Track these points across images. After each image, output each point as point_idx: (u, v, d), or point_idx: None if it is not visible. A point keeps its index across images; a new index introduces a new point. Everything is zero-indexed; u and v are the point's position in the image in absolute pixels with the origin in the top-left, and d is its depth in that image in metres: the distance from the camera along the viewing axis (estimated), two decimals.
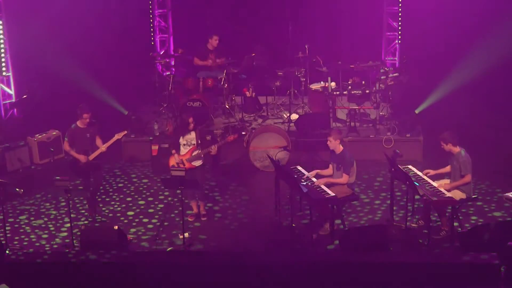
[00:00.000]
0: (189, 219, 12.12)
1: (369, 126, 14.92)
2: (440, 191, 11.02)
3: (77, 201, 12.87)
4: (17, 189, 12.10)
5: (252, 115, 15.53)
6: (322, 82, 15.26)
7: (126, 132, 12.42)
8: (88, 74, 15.76)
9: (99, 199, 12.79)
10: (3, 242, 11.01)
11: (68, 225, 11.43)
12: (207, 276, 10.16)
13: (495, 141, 14.20)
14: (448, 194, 10.96)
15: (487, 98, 14.96)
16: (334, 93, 14.90)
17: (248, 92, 15.56)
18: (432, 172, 11.49)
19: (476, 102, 14.89)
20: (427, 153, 14.04)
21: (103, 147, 11.99)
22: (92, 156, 12.01)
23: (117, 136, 12.10)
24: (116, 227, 11.04)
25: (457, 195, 11.01)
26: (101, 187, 12.90)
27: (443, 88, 15.06)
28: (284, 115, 15.37)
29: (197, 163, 11.97)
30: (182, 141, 11.97)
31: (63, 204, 12.72)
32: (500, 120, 14.80)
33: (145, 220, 12.30)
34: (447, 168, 11.35)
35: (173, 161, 11.95)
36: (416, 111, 14.65)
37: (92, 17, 15.95)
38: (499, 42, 15.03)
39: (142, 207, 12.80)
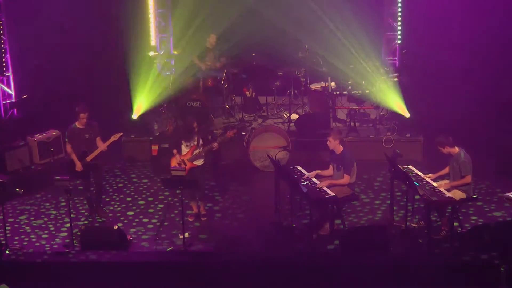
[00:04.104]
0: (189, 219, 12.13)
1: (369, 126, 14.93)
2: (440, 191, 11.02)
3: (77, 201, 12.87)
4: (17, 189, 12.09)
5: (252, 115, 15.52)
6: (322, 82, 15.26)
7: (122, 133, 12.41)
8: (88, 74, 15.74)
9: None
10: (3, 242, 11.01)
11: (68, 225, 11.43)
12: (207, 276, 10.18)
13: (495, 141, 14.19)
14: (448, 194, 10.96)
15: (487, 98, 14.94)
16: (334, 93, 14.90)
17: (248, 92, 15.56)
18: (433, 176, 11.49)
19: (476, 102, 14.87)
20: (427, 153, 14.04)
21: (103, 146, 11.97)
22: (90, 157, 11.99)
23: (113, 138, 12.09)
24: (116, 227, 11.05)
25: (457, 195, 11.00)
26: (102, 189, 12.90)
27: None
28: (284, 115, 15.37)
29: (199, 162, 11.97)
30: (184, 141, 11.96)
31: (63, 204, 12.73)
32: (500, 119, 14.78)
33: (145, 220, 12.31)
34: (447, 170, 11.35)
35: (174, 162, 11.94)
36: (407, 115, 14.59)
37: (92, 17, 15.93)
38: (500, 41, 15.02)
39: (142, 207, 12.81)
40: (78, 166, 11.98)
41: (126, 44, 16.36)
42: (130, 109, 15.36)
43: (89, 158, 12.00)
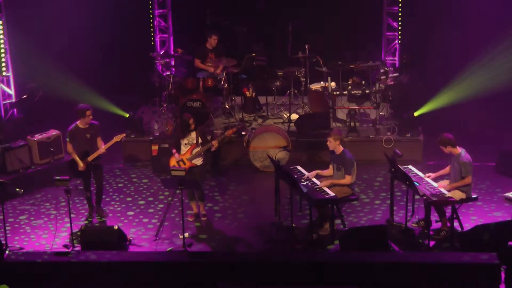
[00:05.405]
0: (189, 219, 12.13)
1: (369, 126, 14.92)
2: (440, 191, 11.03)
3: (77, 201, 12.88)
4: (17, 189, 12.09)
5: (252, 115, 15.52)
6: (322, 82, 15.25)
7: (125, 134, 12.42)
8: (88, 74, 15.75)
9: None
10: (3, 242, 11.01)
11: (68, 225, 11.43)
12: (207, 276, 10.17)
13: (495, 141, 14.19)
14: (448, 194, 10.97)
15: (487, 97, 14.95)
16: (334, 93, 14.90)
17: (248, 92, 15.55)
18: (433, 175, 11.49)
19: (476, 101, 14.88)
20: (427, 153, 14.04)
21: (102, 149, 11.99)
22: (92, 157, 12.00)
23: (116, 139, 12.11)
24: (116, 227, 11.05)
25: (457, 195, 11.01)
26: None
27: (446, 95, 15.06)
28: (284, 115, 15.37)
29: (198, 161, 11.97)
30: (183, 140, 11.98)
31: (63, 204, 12.73)
32: (500, 119, 14.79)
33: (145, 220, 12.31)
34: (447, 169, 11.34)
35: (173, 161, 11.96)
36: (416, 114, 14.63)
37: (92, 17, 15.94)
38: (500, 41, 15.04)
39: (142, 207, 12.81)
40: (81, 166, 11.99)
41: (126, 44, 16.37)
42: (130, 109, 15.42)
43: (90, 158, 12.01)
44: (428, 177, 11.44)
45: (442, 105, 14.90)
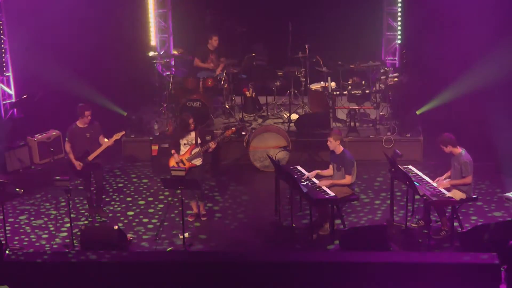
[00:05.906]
0: (189, 219, 12.13)
1: (369, 126, 14.93)
2: (440, 191, 11.03)
3: (77, 201, 12.88)
4: (17, 189, 12.10)
5: (252, 115, 15.52)
6: (322, 82, 15.25)
7: (124, 132, 12.42)
8: (88, 74, 15.75)
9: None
10: (3, 242, 11.01)
11: (68, 225, 11.43)
12: (207, 276, 10.17)
13: (495, 140, 14.18)
14: (448, 194, 10.97)
15: (487, 97, 14.95)
16: (334, 93, 14.90)
17: (248, 92, 15.55)
18: (441, 178, 11.43)
19: (476, 101, 14.88)
20: (427, 153, 14.04)
21: (107, 143, 11.97)
22: (92, 156, 12.01)
23: (115, 137, 12.10)
24: (116, 227, 11.05)
25: (457, 195, 11.01)
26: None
27: (448, 93, 15.06)
28: (284, 115, 15.37)
29: (197, 161, 11.98)
30: (182, 140, 11.98)
31: (63, 204, 12.73)
32: (500, 119, 14.78)
33: (145, 220, 12.31)
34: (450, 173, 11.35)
35: (173, 162, 11.96)
36: (418, 112, 14.64)
37: (92, 17, 15.93)
38: (501, 39, 15.04)
39: (142, 207, 12.81)
40: (77, 165, 11.99)
41: (126, 44, 16.37)
42: (130, 109, 15.42)
43: (90, 158, 12.01)
44: (437, 181, 11.36)
45: (442, 105, 14.90)
